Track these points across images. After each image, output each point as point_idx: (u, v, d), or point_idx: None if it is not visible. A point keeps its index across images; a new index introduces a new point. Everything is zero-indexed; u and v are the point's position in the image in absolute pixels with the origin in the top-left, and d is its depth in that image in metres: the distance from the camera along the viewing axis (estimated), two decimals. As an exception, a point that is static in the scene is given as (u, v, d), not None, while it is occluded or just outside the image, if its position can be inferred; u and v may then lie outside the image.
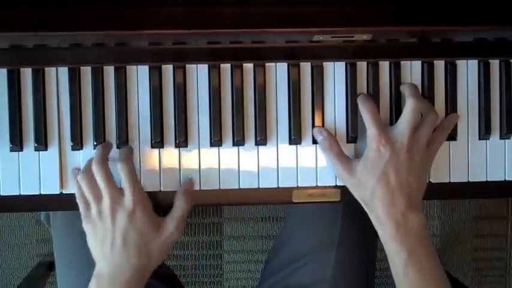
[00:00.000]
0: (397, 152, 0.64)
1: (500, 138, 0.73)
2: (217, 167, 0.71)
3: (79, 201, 0.65)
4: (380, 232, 0.65)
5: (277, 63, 0.70)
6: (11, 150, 0.69)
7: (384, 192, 0.63)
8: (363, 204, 0.66)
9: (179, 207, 0.67)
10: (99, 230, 0.63)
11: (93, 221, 0.64)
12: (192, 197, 0.68)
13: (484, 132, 0.72)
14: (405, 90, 0.69)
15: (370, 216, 0.65)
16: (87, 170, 0.65)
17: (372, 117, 0.66)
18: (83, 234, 0.66)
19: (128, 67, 0.69)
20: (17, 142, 0.68)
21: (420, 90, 0.71)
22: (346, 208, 0.79)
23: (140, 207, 0.63)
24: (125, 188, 0.64)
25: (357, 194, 0.67)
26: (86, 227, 0.64)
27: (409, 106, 0.66)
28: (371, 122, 0.66)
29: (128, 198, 0.63)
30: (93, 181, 0.64)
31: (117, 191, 0.64)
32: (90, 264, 0.66)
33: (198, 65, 0.70)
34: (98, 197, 0.63)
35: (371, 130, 0.65)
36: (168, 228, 0.65)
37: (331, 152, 0.68)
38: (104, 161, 0.65)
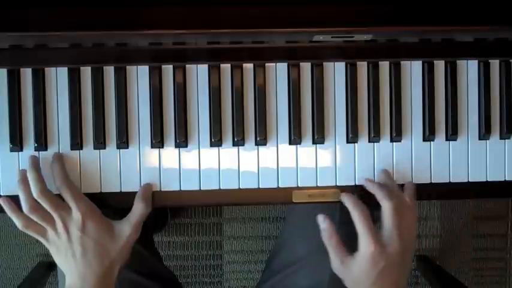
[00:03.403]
0: (390, 258, 0.66)
1: (500, 138, 0.73)
2: (217, 167, 0.71)
3: (33, 230, 0.67)
4: None
5: (277, 63, 0.70)
6: (11, 150, 0.69)
7: None
8: None
9: (136, 210, 0.68)
10: (60, 247, 0.66)
11: (53, 242, 0.67)
12: (150, 201, 0.70)
13: (484, 132, 0.72)
14: (375, 191, 0.68)
15: None
16: (30, 200, 0.66)
17: (365, 226, 0.66)
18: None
19: (128, 67, 0.69)
20: (17, 142, 0.68)
21: (420, 90, 0.72)
22: (345, 209, 0.79)
23: (89, 217, 0.66)
24: (70, 204, 0.66)
25: (350, 286, 0.69)
26: (50, 249, 0.68)
27: (387, 210, 0.66)
28: (365, 230, 0.66)
29: (75, 212, 0.66)
30: (41, 209, 0.66)
31: (64, 210, 0.66)
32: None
33: (198, 65, 0.70)
34: (50, 221, 0.66)
35: (365, 239, 0.66)
36: (125, 232, 0.68)
37: (330, 243, 0.69)
38: (43, 187, 0.66)
